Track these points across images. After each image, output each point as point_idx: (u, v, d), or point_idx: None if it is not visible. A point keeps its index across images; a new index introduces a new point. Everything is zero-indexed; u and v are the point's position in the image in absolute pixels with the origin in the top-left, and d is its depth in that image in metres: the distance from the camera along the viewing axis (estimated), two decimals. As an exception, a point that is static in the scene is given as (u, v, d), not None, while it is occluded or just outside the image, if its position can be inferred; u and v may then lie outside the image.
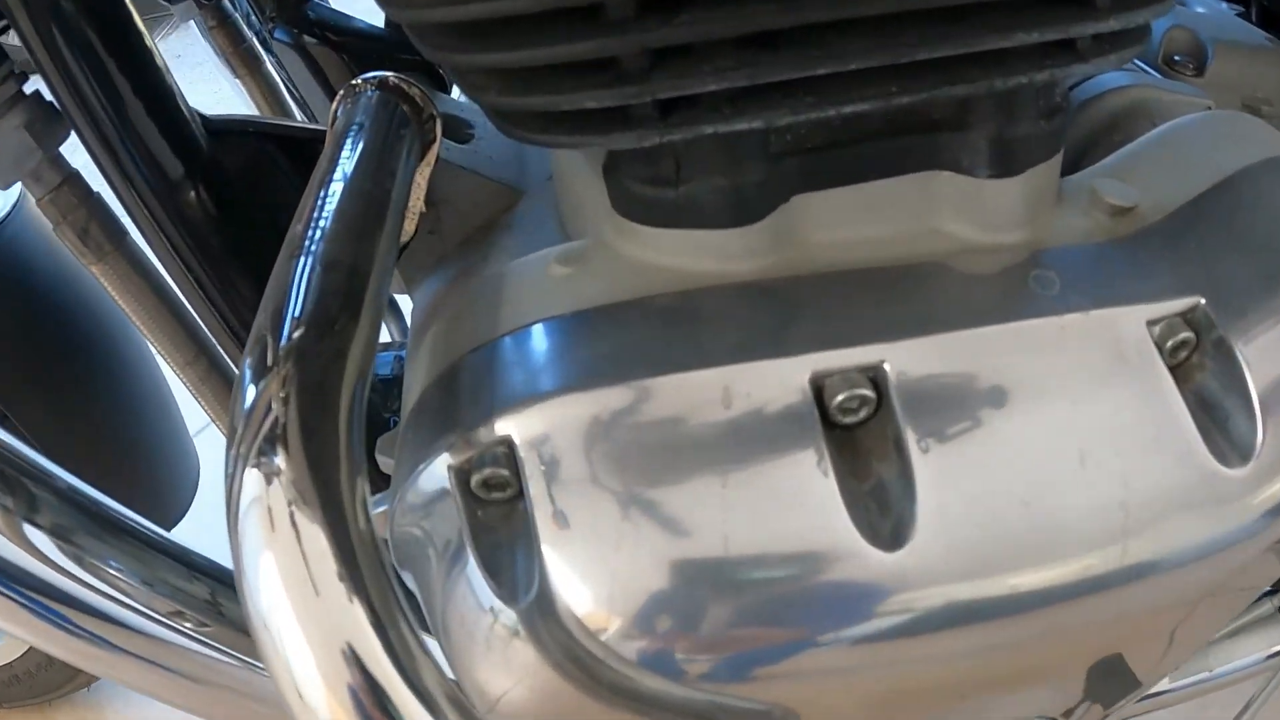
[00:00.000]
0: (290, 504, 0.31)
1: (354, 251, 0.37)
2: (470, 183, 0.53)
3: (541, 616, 0.35)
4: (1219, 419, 0.37)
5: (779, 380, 0.34)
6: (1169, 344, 0.38)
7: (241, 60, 0.74)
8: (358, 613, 0.30)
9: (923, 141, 0.38)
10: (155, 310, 0.53)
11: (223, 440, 0.34)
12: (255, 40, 0.77)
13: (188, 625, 0.54)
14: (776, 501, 0.33)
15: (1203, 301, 0.38)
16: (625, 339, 0.36)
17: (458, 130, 0.55)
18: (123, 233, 0.52)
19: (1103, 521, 0.35)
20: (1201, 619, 0.44)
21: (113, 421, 0.76)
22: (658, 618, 0.33)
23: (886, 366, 0.35)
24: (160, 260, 0.50)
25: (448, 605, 0.38)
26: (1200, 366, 0.38)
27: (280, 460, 0.31)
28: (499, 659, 0.37)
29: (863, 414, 0.35)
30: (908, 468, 0.34)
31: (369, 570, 0.31)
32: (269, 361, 0.33)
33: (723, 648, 0.33)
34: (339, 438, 0.33)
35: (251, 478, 0.31)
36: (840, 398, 0.34)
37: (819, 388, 0.35)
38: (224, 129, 0.51)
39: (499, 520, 0.37)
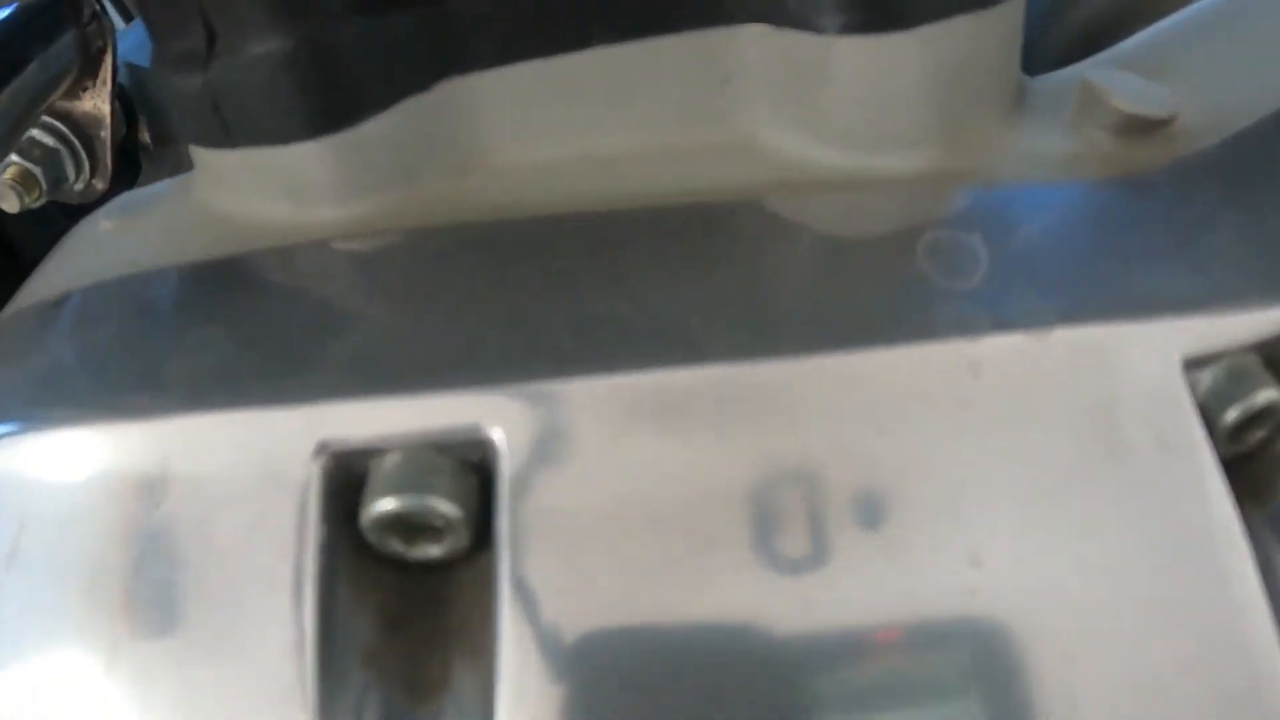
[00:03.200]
0: None
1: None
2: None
3: None
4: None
5: (252, 454, 0.15)
6: (1232, 412, 0.16)
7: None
8: None
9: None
10: None
11: None
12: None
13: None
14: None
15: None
16: (73, 350, 0.17)
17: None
18: None
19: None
20: None
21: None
22: None
23: (497, 438, 0.14)
24: None
25: None
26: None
27: None
28: None
29: (447, 544, 0.15)
30: (492, 657, 0.13)
31: None
32: None
33: None
34: None
35: None
36: (382, 507, 0.14)
37: (349, 475, 0.15)
38: None
39: None
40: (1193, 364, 0.16)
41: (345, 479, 0.15)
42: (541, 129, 0.19)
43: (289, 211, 0.19)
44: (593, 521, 0.14)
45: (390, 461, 0.15)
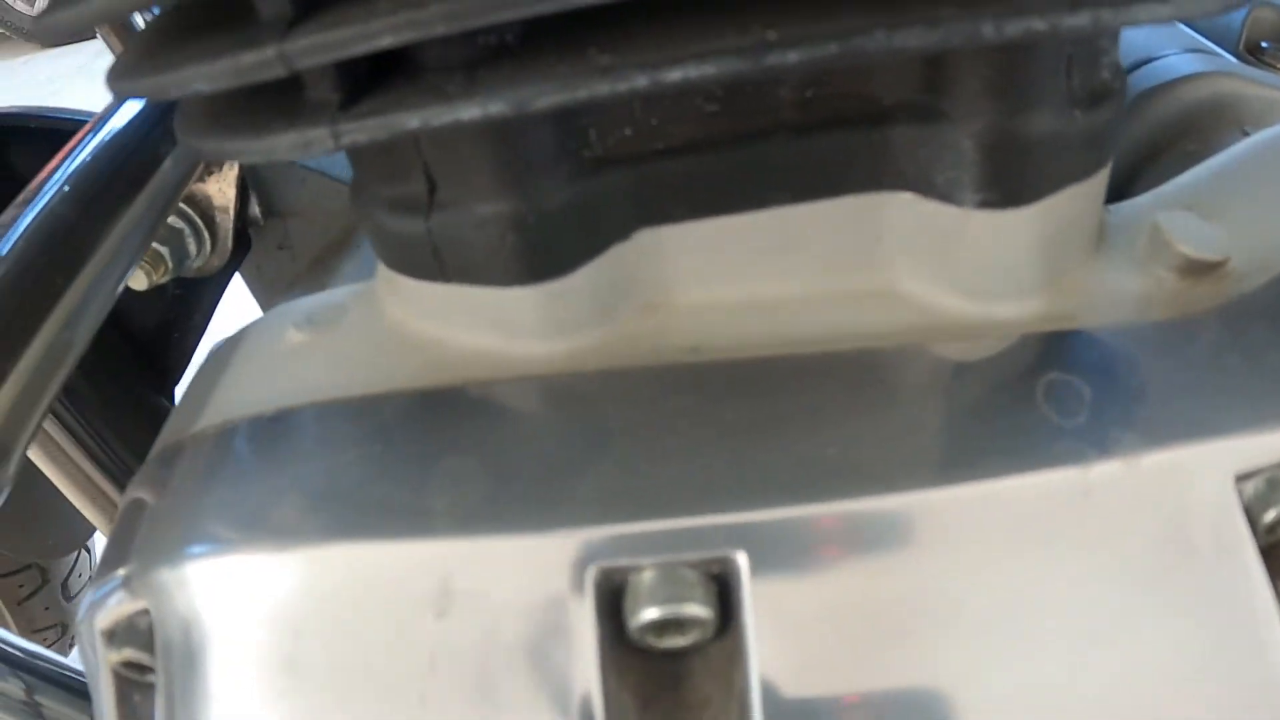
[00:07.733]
0: None
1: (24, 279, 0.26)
2: (318, 187, 0.37)
3: None
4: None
5: (529, 571, 0.17)
6: (1270, 514, 0.19)
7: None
8: None
9: (861, 142, 0.20)
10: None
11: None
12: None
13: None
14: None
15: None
16: (324, 469, 0.20)
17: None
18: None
19: None
20: None
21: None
22: None
23: (740, 561, 0.17)
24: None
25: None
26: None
27: None
28: None
29: (693, 636, 0.17)
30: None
31: None
32: None
33: None
34: None
35: None
36: (648, 615, 0.17)
37: (614, 587, 0.17)
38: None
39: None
40: (1241, 477, 0.20)
41: (609, 589, 0.17)
42: (718, 274, 0.21)
43: (498, 343, 0.21)
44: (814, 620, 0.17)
45: (654, 575, 0.17)
